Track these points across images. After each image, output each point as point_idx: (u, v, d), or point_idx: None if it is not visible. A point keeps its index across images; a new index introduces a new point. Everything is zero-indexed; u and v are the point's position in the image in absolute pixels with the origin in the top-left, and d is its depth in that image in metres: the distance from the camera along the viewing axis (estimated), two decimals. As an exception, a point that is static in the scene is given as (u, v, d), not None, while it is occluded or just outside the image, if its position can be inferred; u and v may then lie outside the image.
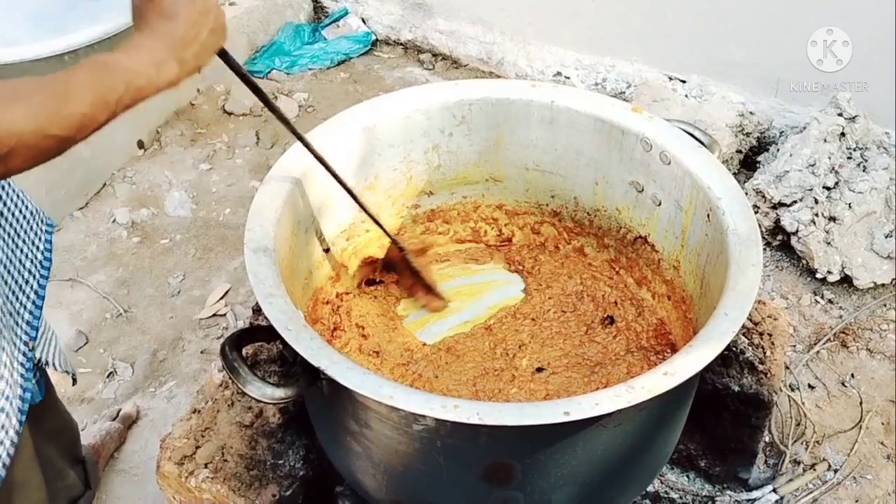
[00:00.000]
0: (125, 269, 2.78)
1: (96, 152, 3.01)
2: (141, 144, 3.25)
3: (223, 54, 1.14)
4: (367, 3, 3.96)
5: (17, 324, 1.30)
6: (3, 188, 1.31)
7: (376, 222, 1.66)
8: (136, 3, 1.03)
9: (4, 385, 1.18)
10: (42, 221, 1.44)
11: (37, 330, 1.35)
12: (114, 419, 2.26)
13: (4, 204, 1.30)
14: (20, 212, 1.36)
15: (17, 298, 1.31)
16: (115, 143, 3.14)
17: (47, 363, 1.48)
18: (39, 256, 1.39)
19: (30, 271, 1.35)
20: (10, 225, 1.30)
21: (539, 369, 1.66)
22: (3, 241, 1.28)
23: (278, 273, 1.32)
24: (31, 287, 1.35)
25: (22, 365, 1.29)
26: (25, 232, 1.36)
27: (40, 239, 1.41)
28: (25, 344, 1.31)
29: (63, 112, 0.88)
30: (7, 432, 1.20)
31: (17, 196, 1.37)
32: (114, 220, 2.94)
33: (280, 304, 1.25)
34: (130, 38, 1.00)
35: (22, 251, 1.33)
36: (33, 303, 1.35)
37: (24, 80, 0.87)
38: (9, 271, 1.28)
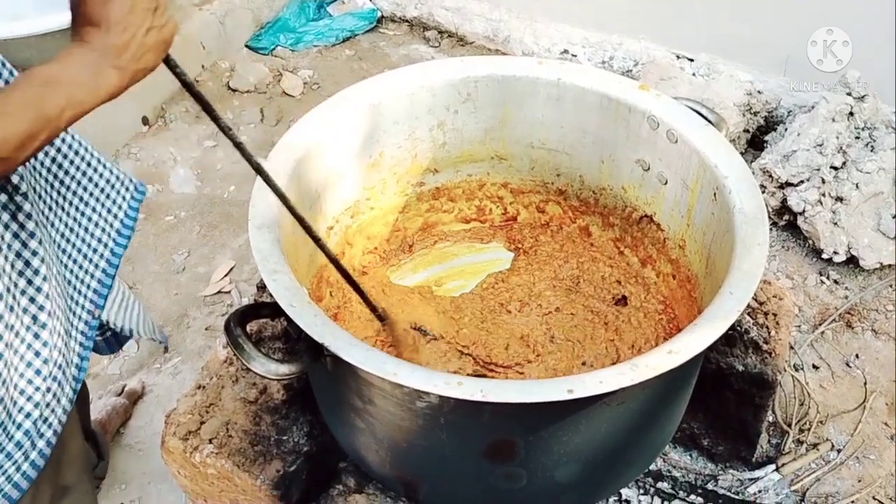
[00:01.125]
0: (130, 245, 2.77)
1: (101, 129, 3.00)
2: (146, 121, 3.25)
3: (166, 60, 1.05)
4: (373, -20, 3.93)
5: (80, 292, 1.29)
6: (69, 159, 1.28)
7: (359, 292, 1.50)
8: (70, 10, 0.98)
9: (58, 354, 1.18)
10: (127, 189, 1.41)
11: (105, 298, 1.34)
12: (119, 395, 2.28)
13: (66, 172, 1.28)
14: (90, 179, 1.32)
15: (82, 267, 1.30)
16: (120, 120, 3.13)
17: (128, 331, 1.49)
18: (116, 224, 1.38)
19: (99, 239, 1.33)
20: (73, 192, 1.28)
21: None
22: (64, 209, 1.26)
23: (282, 250, 1.32)
24: (101, 255, 1.33)
25: (83, 334, 1.28)
26: (97, 199, 1.33)
27: (119, 207, 1.39)
28: (90, 312, 1.30)
29: (5, 132, 0.86)
30: (59, 401, 1.20)
31: (96, 164, 1.34)
32: (119, 197, 2.94)
33: (284, 280, 1.25)
34: (65, 50, 0.97)
35: (90, 219, 1.31)
36: (103, 271, 1.33)
37: None
38: (69, 240, 1.27)
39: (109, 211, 1.37)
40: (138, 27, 0.97)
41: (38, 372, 1.14)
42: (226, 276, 2.67)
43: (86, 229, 1.32)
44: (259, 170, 1.27)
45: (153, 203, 2.94)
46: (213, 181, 3.05)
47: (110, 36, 0.95)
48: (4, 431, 1.12)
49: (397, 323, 1.64)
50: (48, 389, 1.16)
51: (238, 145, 1.21)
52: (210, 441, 1.60)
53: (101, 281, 1.34)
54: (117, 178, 1.40)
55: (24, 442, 1.15)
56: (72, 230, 1.29)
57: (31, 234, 1.12)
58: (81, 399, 1.85)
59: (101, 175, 1.36)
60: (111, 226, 1.38)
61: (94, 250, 1.33)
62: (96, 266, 1.34)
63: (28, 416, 1.14)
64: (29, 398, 1.14)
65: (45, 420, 1.17)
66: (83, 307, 1.29)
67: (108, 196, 1.37)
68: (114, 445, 2.19)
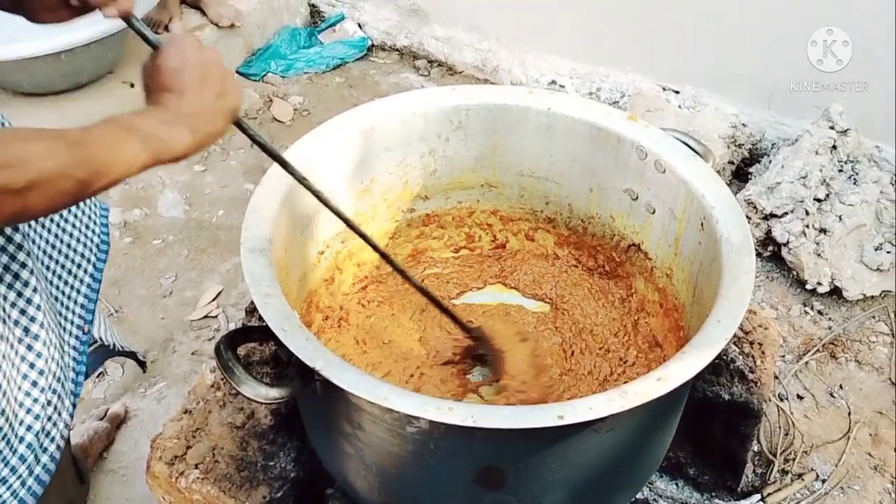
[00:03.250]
0: (117, 268, 2.77)
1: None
2: (135, 145, 3.25)
3: (237, 123, 1.17)
4: (364, 9, 3.97)
5: (68, 308, 1.29)
6: None
7: (442, 307, 1.61)
8: (143, 83, 1.08)
9: (55, 366, 1.18)
10: (97, 206, 1.43)
11: (92, 313, 1.35)
12: (101, 419, 2.25)
13: None
14: None
15: (68, 283, 1.30)
16: (109, 143, 3.13)
17: (114, 346, 1.49)
18: (96, 240, 1.39)
19: (83, 255, 1.34)
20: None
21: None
22: (44, 226, 1.27)
23: (274, 273, 1.33)
24: (86, 271, 1.34)
25: (75, 349, 1.29)
26: (76, 217, 1.35)
27: (96, 223, 1.40)
28: (80, 328, 1.31)
29: (83, 156, 0.90)
30: (60, 414, 1.19)
31: None
32: (106, 220, 2.93)
33: (276, 304, 1.25)
34: (143, 109, 1.05)
35: (72, 235, 1.33)
36: (88, 286, 1.34)
37: (46, 128, 0.90)
38: (52, 258, 1.28)
39: (87, 226, 1.38)
40: (208, 95, 1.06)
41: (34, 384, 1.14)
42: (213, 300, 2.66)
43: (68, 245, 1.32)
44: (350, 224, 1.40)
45: (141, 227, 2.94)
46: (201, 205, 3.05)
47: (184, 101, 1.04)
48: (8, 444, 1.11)
49: (490, 331, 1.65)
50: (48, 402, 1.16)
51: (321, 198, 1.36)
52: (196, 466, 1.59)
53: (87, 296, 1.35)
54: None
55: (28, 456, 1.14)
56: (54, 246, 1.29)
57: (20, 247, 1.13)
58: None
59: None
60: (91, 241, 1.39)
61: (79, 265, 1.34)
62: (81, 281, 1.34)
63: (29, 429, 1.14)
64: (28, 411, 1.14)
65: (48, 434, 1.17)
66: (72, 322, 1.30)
67: (83, 211, 1.39)
68: (97, 471, 2.16)
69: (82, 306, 1.33)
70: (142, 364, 1.64)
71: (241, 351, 1.69)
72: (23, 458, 1.14)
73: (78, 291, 1.33)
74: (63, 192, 0.89)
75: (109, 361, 2.44)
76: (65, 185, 0.88)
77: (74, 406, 1.26)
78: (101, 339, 1.49)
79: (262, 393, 1.19)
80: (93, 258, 1.37)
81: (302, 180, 1.32)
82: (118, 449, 2.23)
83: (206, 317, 2.62)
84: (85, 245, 1.36)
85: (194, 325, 2.59)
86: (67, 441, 1.27)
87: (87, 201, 1.41)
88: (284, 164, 1.30)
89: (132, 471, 2.16)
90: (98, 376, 2.41)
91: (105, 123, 0.96)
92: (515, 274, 1.91)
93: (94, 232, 1.40)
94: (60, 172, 0.87)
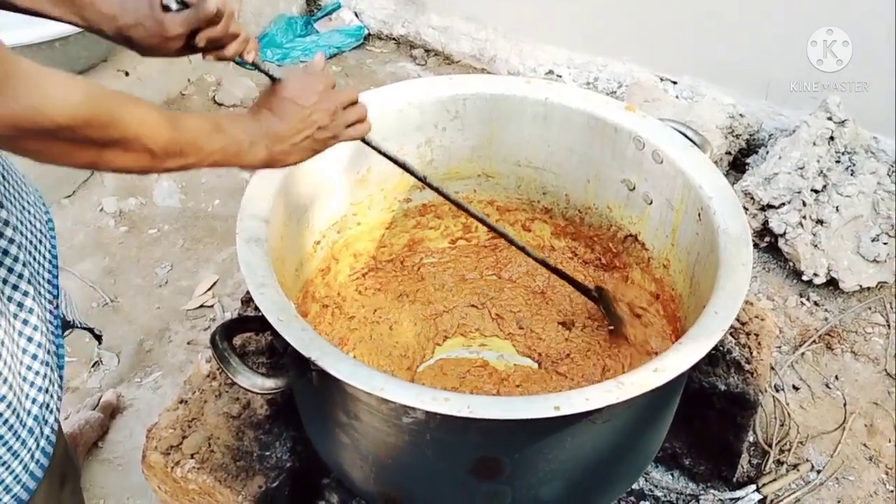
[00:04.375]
0: (112, 258, 2.76)
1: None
2: (130, 134, 3.23)
3: (365, 142, 1.36)
4: (361, -3, 3.95)
5: (39, 283, 1.29)
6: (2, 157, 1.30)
7: (567, 278, 1.72)
8: (261, 93, 1.21)
9: (46, 341, 1.18)
10: (33, 185, 1.44)
11: (57, 289, 1.35)
12: (94, 408, 2.25)
13: (2, 166, 1.28)
14: (17, 174, 1.35)
15: (35, 259, 1.31)
16: (104, 132, 3.11)
17: (73, 322, 1.49)
18: (44, 217, 1.39)
19: (41, 231, 1.35)
20: (13, 186, 1.29)
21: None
22: (11, 202, 1.27)
23: (270, 263, 1.32)
24: (45, 246, 1.35)
25: (50, 322, 1.29)
26: (28, 193, 1.35)
27: (40, 200, 1.41)
28: (50, 302, 1.31)
29: (169, 135, 0.97)
30: (54, 385, 1.19)
31: (7, 162, 1.36)
32: (101, 209, 2.92)
33: (271, 294, 1.25)
34: (239, 114, 1.16)
35: (30, 212, 1.33)
36: (50, 262, 1.35)
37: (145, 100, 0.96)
38: (21, 233, 1.28)
39: (37, 205, 1.39)
40: (301, 130, 1.18)
41: (34, 357, 1.14)
42: (209, 290, 2.65)
43: (30, 223, 1.33)
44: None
45: (136, 216, 2.93)
46: (197, 195, 3.04)
47: (279, 124, 1.16)
48: (18, 418, 1.11)
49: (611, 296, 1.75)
50: (45, 375, 1.16)
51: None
52: (192, 456, 1.59)
53: (51, 271, 1.35)
54: (22, 174, 1.42)
55: (35, 429, 1.14)
56: (21, 222, 1.29)
57: (6, 223, 1.13)
58: None
59: (16, 171, 1.38)
60: (42, 217, 1.39)
61: (41, 241, 1.34)
62: (44, 256, 1.34)
63: (34, 401, 1.14)
64: (32, 384, 1.14)
65: (47, 406, 1.17)
66: (44, 297, 1.30)
67: (30, 192, 1.39)
68: (92, 460, 2.16)
69: (49, 282, 1.33)
70: (98, 337, 1.65)
71: (237, 341, 1.69)
72: (31, 432, 1.14)
73: (43, 266, 1.33)
74: (136, 159, 0.95)
75: (104, 351, 2.44)
76: (141, 155, 0.95)
77: (62, 378, 1.26)
78: (63, 314, 1.49)
79: (257, 383, 1.19)
80: (47, 233, 1.38)
81: (423, 179, 1.49)
82: (113, 438, 2.22)
83: (201, 306, 2.61)
84: (40, 221, 1.37)
85: (190, 315, 2.58)
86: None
87: (27, 182, 1.41)
88: (411, 171, 1.45)
89: (127, 460, 2.16)
90: (93, 366, 2.41)
91: (200, 116, 1.05)
92: (510, 266, 1.91)
93: (41, 209, 1.40)
94: (143, 140, 0.94)
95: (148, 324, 2.55)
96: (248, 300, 1.83)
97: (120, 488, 2.11)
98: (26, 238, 1.28)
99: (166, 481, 1.61)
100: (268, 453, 1.60)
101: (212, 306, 2.60)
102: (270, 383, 1.19)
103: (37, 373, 1.16)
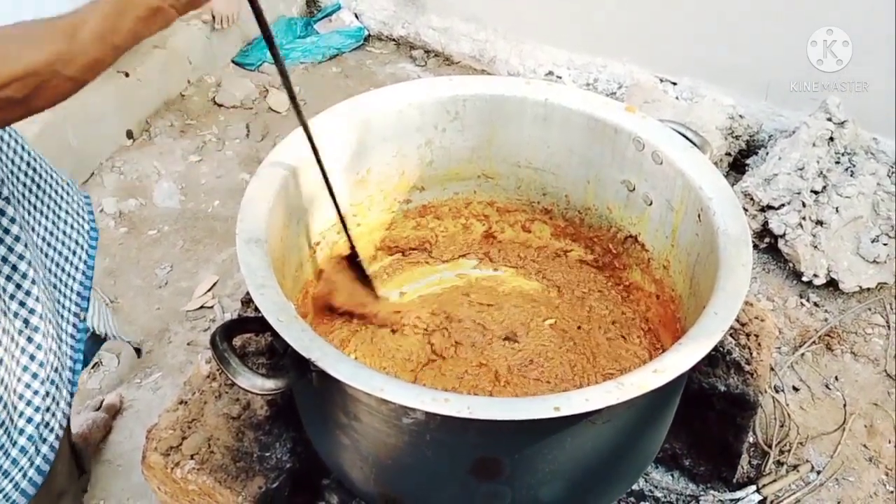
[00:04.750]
0: (112, 259, 2.77)
1: (85, 141, 2.98)
2: (130, 134, 3.23)
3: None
4: (361, -2, 3.96)
5: (65, 295, 1.29)
6: (38, 164, 1.29)
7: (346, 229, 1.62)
8: None
9: (54, 357, 1.17)
10: (79, 193, 1.43)
11: (87, 301, 1.34)
12: (97, 409, 2.25)
13: (41, 176, 1.28)
14: (57, 184, 1.34)
15: (65, 270, 1.30)
16: (104, 133, 3.12)
17: (106, 335, 1.48)
18: (87, 227, 1.39)
19: (77, 242, 1.34)
20: (49, 197, 1.29)
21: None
22: (42, 213, 1.26)
23: (270, 264, 1.32)
24: (80, 258, 1.34)
25: (72, 336, 1.28)
26: (68, 203, 1.34)
27: (84, 210, 1.40)
28: (76, 315, 1.30)
29: (76, 52, 0.90)
30: (59, 404, 1.19)
31: (51, 170, 1.35)
32: (101, 210, 2.92)
33: (272, 295, 1.25)
34: None
35: (66, 223, 1.32)
36: (83, 273, 1.34)
37: (36, 23, 0.89)
38: (50, 244, 1.27)
39: (78, 213, 1.38)
40: None
41: (34, 376, 1.14)
42: (209, 291, 2.66)
43: (64, 232, 1.32)
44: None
45: (136, 217, 2.93)
46: (197, 196, 3.04)
47: None
48: (8, 437, 1.11)
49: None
50: (47, 394, 1.15)
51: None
52: (192, 457, 1.59)
53: (83, 283, 1.34)
54: (71, 183, 1.41)
55: (29, 448, 1.14)
56: (52, 234, 1.29)
57: (17, 238, 1.12)
58: None
59: (62, 180, 1.37)
60: (83, 227, 1.38)
61: (74, 252, 1.33)
62: (76, 268, 1.33)
63: (30, 420, 1.13)
64: (28, 403, 1.13)
65: (47, 425, 1.17)
66: (69, 310, 1.29)
67: (74, 200, 1.38)
68: (93, 461, 2.16)
69: (78, 294, 1.32)
70: (137, 350, 1.64)
71: (237, 342, 1.69)
72: (24, 450, 1.13)
73: (74, 279, 1.32)
74: (62, 93, 0.91)
75: (104, 352, 2.44)
76: (65, 86, 0.91)
77: (72, 395, 1.26)
78: (93, 328, 1.48)
79: (257, 384, 1.19)
80: (86, 245, 1.37)
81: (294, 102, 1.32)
82: (113, 439, 2.23)
83: (201, 307, 2.61)
84: (78, 232, 1.36)
85: (189, 316, 2.58)
86: (65, 430, 1.27)
87: (71, 190, 1.40)
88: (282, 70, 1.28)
89: (127, 461, 2.16)
90: (93, 367, 2.41)
91: (94, 11, 0.93)
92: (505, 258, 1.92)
93: (84, 219, 1.40)
94: (60, 76, 0.89)
95: (148, 324, 2.55)
96: (247, 301, 1.82)
97: (120, 489, 2.11)
98: (53, 249, 1.28)
99: (166, 482, 1.61)
100: (268, 454, 1.60)
101: (211, 307, 2.61)
102: (270, 384, 1.19)
103: (35, 392, 1.15)
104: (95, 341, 1.59)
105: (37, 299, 1.14)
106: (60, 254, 1.30)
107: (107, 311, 1.55)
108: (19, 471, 1.14)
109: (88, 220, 1.41)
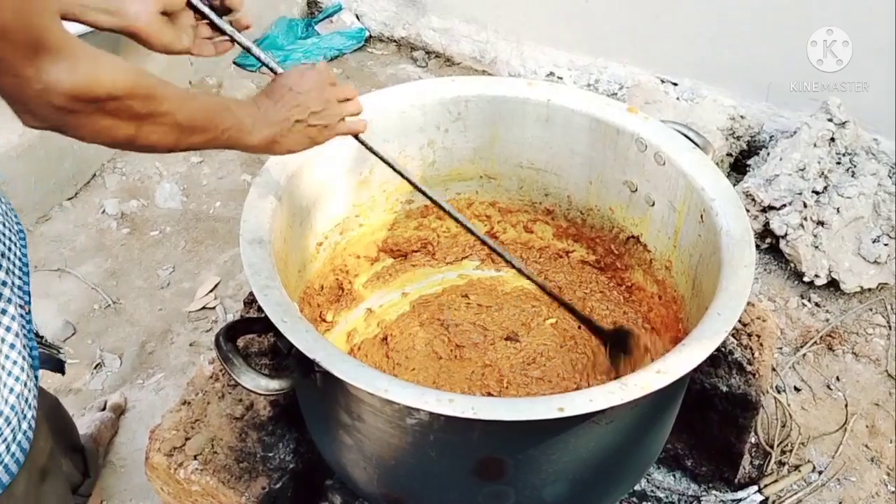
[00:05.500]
0: (114, 260, 2.77)
1: (86, 143, 2.98)
2: (132, 136, 3.23)
3: (359, 140, 1.41)
4: (361, 0, 3.96)
5: (12, 290, 1.30)
6: None
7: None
8: (272, 79, 1.26)
9: (23, 335, 1.18)
10: (4, 195, 1.44)
11: (29, 295, 1.35)
12: (102, 410, 2.25)
13: None
14: None
15: (7, 257, 1.31)
16: (106, 134, 3.11)
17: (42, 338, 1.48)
18: (15, 227, 1.40)
19: (10, 238, 1.35)
20: None
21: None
22: None
23: (274, 265, 1.32)
24: (15, 254, 1.35)
25: (23, 327, 1.29)
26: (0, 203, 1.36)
27: (9, 206, 1.41)
28: (21, 308, 1.31)
29: (190, 109, 1.06)
30: (30, 380, 1.20)
31: None
32: (103, 211, 2.92)
33: (275, 295, 1.25)
34: (242, 101, 1.21)
35: (5, 213, 1.34)
36: (20, 269, 1.35)
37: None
38: None
39: (6, 214, 1.39)
40: (295, 116, 1.24)
41: (12, 346, 1.15)
42: (211, 291, 2.66)
43: (3, 223, 1.33)
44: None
45: (138, 218, 2.93)
46: (198, 197, 3.04)
47: (273, 107, 1.22)
48: None
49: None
50: (22, 368, 1.16)
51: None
52: (195, 457, 1.59)
53: (22, 279, 1.35)
54: None
55: (13, 419, 1.14)
56: None
57: None
58: (59, 415, 1.83)
59: None
60: (15, 225, 1.39)
61: (9, 248, 1.34)
62: (13, 263, 1.34)
63: (12, 391, 1.14)
64: (10, 373, 1.14)
65: (26, 399, 1.17)
66: (17, 304, 1.30)
67: (4, 200, 1.39)
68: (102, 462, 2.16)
69: (20, 288, 1.33)
70: (61, 364, 1.64)
71: (240, 342, 1.69)
72: (7, 421, 1.14)
73: (13, 273, 1.33)
74: (165, 134, 1.04)
75: (107, 353, 2.44)
76: (171, 128, 1.04)
77: (37, 378, 1.26)
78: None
79: (261, 384, 1.19)
80: (17, 240, 1.39)
81: (418, 187, 1.48)
82: (116, 440, 2.23)
83: (203, 308, 2.61)
84: (10, 228, 1.38)
85: (192, 317, 2.58)
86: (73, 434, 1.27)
87: None
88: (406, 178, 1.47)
89: (130, 462, 2.16)
90: (96, 367, 2.41)
91: (211, 96, 1.16)
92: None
93: (11, 219, 1.41)
94: (172, 118, 1.02)
95: (150, 325, 2.56)
96: (250, 302, 1.83)
97: (122, 490, 2.11)
98: (2, 243, 1.29)
99: (169, 483, 1.61)
100: (271, 454, 1.61)
101: (214, 308, 2.61)
102: (275, 384, 1.20)
103: (14, 362, 1.16)
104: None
105: (7, 272, 1.19)
106: (7, 237, 1.31)
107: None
108: (3, 444, 1.14)
109: (13, 216, 1.43)
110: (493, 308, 1.85)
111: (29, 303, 1.35)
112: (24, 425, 1.18)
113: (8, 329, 1.16)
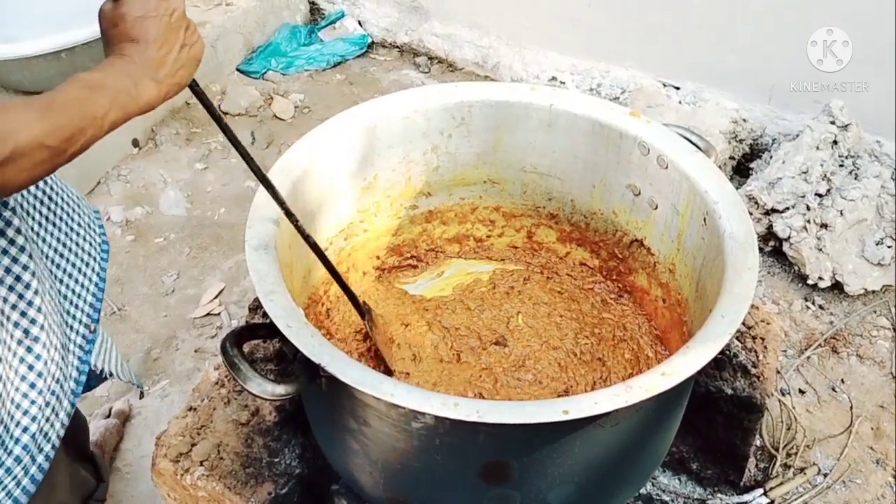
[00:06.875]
0: (119, 267, 2.78)
1: (91, 150, 2.99)
2: (136, 143, 3.25)
3: (192, 86, 1.14)
4: (364, 6, 3.97)
5: (76, 307, 1.29)
6: (48, 177, 1.30)
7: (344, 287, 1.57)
8: (102, 29, 1.04)
9: (55, 368, 1.18)
10: (89, 207, 1.44)
11: (99, 312, 1.35)
12: (107, 417, 2.26)
13: (52, 188, 1.29)
14: (69, 196, 1.35)
15: (78, 281, 1.30)
16: (110, 142, 3.10)
17: (107, 373, 1.48)
18: (98, 239, 1.40)
19: (89, 254, 1.35)
20: (62, 209, 1.30)
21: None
22: (55, 225, 1.27)
23: (279, 270, 1.33)
24: (93, 269, 1.35)
25: (80, 347, 1.28)
26: (80, 216, 1.36)
27: (95, 223, 1.41)
28: (86, 327, 1.31)
29: (55, 122, 0.90)
30: (58, 415, 1.19)
31: (62, 182, 1.37)
32: (108, 219, 2.94)
33: (281, 301, 1.26)
34: (105, 61, 1.02)
35: (78, 234, 1.33)
36: (96, 285, 1.35)
37: (12, 99, 0.90)
38: (62, 255, 1.28)
39: (90, 227, 1.39)
40: (173, 44, 1.04)
41: (32, 385, 1.14)
42: (215, 298, 2.67)
43: (77, 244, 1.33)
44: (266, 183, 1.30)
45: (143, 225, 2.94)
46: (203, 203, 3.05)
47: (149, 51, 1.01)
48: (3, 446, 1.12)
49: (379, 320, 1.68)
50: (46, 404, 1.16)
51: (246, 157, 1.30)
52: (201, 463, 1.59)
53: (95, 294, 1.35)
54: (80, 196, 1.43)
55: (24, 457, 1.14)
56: (65, 245, 1.30)
57: (22, 249, 1.13)
58: (81, 427, 1.84)
59: (73, 193, 1.38)
60: (95, 240, 1.39)
61: (87, 264, 1.34)
62: (89, 279, 1.34)
63: (26, 430, 1.14)
64: (25, 412, 1.14)
65: (45, 435, 1.17)
66: (80, 321, 1.30)
67: (85, 213, 1.39)
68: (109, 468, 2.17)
69: (90, 305, 1.33)
70: (141, 393, 1.65)
71: (246, 348, 1.70)
72: (18, 460, 1.14)
73: (87, 290, 1.33)
74: (40, 162, 0.89)
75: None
76: (41, 154, 0.89)
77: (73, 406, 1.26)
78: (94, 366, 1.46)
79: (267, 390, 1.19)
80: (98, 258, 1.38)
81: (246, 156, 1.33)
82: (122, 447, 2.23)
83: (208, 314, 2.62)
84: (90, 244, 1.37)
85: (197, 323, 2.59)
86: (62, 440, 1.27)
87: (82, 204, 1.41)
88: (231, 138, 1.30)
89: (136, 468, 2.16)
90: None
91: (71, 84, 0.95)
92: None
93: (95, 231, 1.41)
94: (35, 143, 0.87)
95: (155, 332, 2.56)
96: (255, 307, 1.83)
97: (129, 496, 2.12)
98: (66, 260, 1.29)
99: (176, 489, 1.62)
100: (277, 460, 1.61)
101: (218, 314, 2.62)
102: (281, 389, 1.20)
103: (32, 402, 1.15)
104: (91, 376, 1.57)
105: (39, 310, 1.15)
106: (74, 265, 1.31)
107: (112, 349, 1.54)
108: (13, 479, 1.14)
109: (99, 233, 1.42)
110: (492, 309, 1.85)
111: (97, 321, 1.35)
112: (40, 458, 1.18)
113: (31, 367, 1.14)
